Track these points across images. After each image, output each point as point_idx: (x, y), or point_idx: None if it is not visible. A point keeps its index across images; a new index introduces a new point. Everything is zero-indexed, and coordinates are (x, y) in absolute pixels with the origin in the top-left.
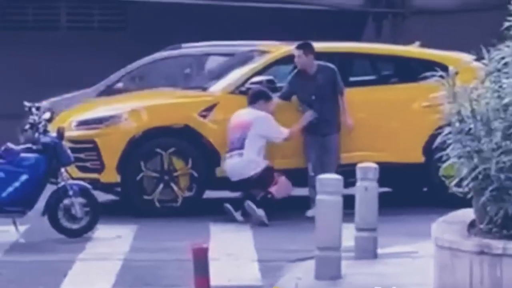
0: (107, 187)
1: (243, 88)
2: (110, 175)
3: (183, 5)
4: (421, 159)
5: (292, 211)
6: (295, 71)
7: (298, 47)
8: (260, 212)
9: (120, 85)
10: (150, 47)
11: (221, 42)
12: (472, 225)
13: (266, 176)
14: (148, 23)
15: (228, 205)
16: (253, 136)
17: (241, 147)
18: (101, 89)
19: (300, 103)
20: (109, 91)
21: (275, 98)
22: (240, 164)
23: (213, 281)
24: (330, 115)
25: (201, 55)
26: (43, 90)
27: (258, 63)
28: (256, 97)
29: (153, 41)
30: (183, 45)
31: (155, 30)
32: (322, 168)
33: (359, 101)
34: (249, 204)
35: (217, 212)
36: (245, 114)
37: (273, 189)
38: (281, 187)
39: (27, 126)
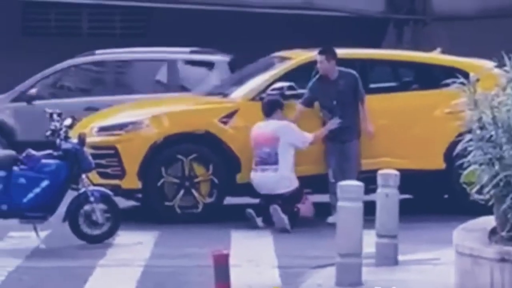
0: (128, 193)
1: (264, 95)
2: (131, 181)
3: (204, 12)
4: (442, 166)
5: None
6: (317, 76)
7: (321, 52)
8: (285, 219)
9: (33, 91)
10: None
11: (135, 49)
12: (493, 232)
13: (296, 196)
14: (169, 30)
15: (250, 211)
16: (284, 147)
17: (275, 162)
18: (15, 95)
19: (320, 109)
20: (23, 97)
21: (298, 105)
22: (273, 179)
23: (234, 287)
24: (350, 121)
25: (114, 61)
26: None
27: (279, 69)
28: (272, 108)
29: (173, 47)
30: (97, 51)
31: (175, 37)
32: (343, 175)
33: (380, 108)
34: (275, 207)
35: (237, 218)
36: (266, 127)
37: (300, 206)
38: (307, 208)
39: (48, 133)
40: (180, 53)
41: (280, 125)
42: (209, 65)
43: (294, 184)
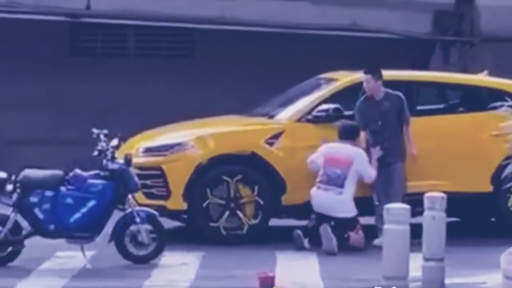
0: (173, 214)
1: (309, 116)
2: (177, 202)
3: (248, 33)
4: (489, 188)
5: None
6: (363, 97)
7: (367, 72)
8: (333, 239)
9: None
10: (215, 74)
11: None
12: None
13: (351, 224)
14: (214, 51)
15: (298, 231)
16: (353, 173)
17: (341, 185)
18: None
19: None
20: None
21: (362, 132)
22: (336, 201)
23: None
24: (393, 143)
25: None
26: (109, 116)
27: (325, 91)
28: (355, 133)
29: (217, 68)
30: None
31: (221, 57)
32: (387, 197)
33: (426, 130)
34: (326, 227)
35: (283, 240)
36: (341, 149)
37: (352, 234)
38: (358, 239)
39: (95, 153)
40: None
41: (355, 151)
42: None
43: (353, 211)
